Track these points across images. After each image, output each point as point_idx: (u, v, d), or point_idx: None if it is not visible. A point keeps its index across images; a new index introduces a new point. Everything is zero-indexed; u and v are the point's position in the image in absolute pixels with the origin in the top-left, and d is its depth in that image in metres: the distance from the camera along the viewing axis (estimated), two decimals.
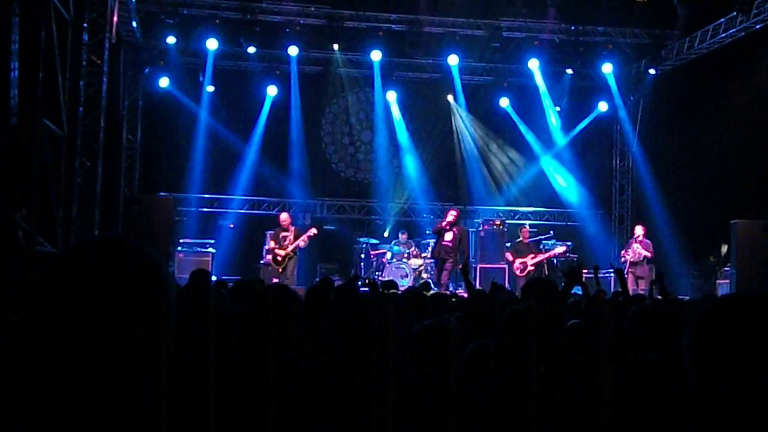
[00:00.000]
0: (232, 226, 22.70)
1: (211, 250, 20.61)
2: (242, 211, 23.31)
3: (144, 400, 1.79)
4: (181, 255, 20.23)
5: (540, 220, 23.94)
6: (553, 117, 24.11)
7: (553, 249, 20.49)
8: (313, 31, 21.99)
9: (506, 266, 20.66)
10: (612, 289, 18.25)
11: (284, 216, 19.07)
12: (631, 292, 16.01)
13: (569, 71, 23.12)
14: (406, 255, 20.54)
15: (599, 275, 16.66)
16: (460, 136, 24.28)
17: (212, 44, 21.53)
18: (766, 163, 18.27)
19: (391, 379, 2.68)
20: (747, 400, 1.79)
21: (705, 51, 20.77)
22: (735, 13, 18.65)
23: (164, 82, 22.38)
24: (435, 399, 3.79)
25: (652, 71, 22.55)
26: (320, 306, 6.77)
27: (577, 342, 5.22)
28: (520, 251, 19.64)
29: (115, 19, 17.29)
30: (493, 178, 24.27)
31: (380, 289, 11.00)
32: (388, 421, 2.57)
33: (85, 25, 15.83)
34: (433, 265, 20.87)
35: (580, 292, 10.00)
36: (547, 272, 19.45)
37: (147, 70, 22.27)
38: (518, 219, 24.03)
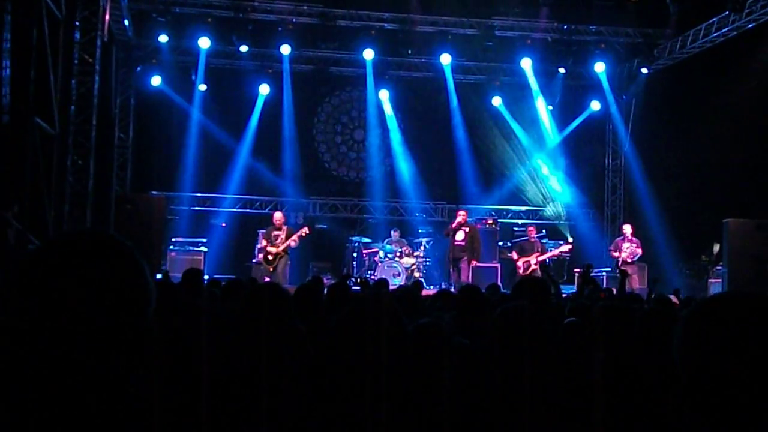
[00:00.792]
0: (224, 225, 22.68)
1: (203, 248, 20.60)
2: (234, 209, 23.29)
3: (129, 393, 1.78)
4: (173, 254, 20.22)
5: (532, 219, 23.92)
6: (545, 116, 24.12)
7: (557, 248, 20.47)
8: (305, 29, 21.96)
9: (499, 265, 20.67)
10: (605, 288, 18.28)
11: (278, 215, 19.02)
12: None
13: (562, 70, 23.12)
14: (398, 254, 20.53)
15: (592, 274, 16.72)
16: (451, 134, 24.19)
17: (204, 43, 21.50)
18: (759, 162, 18.32)
19: (386, 376, 2.68)
20: (735, 399, 1.79)
21: (697, 50, 20.81)
22: (727, 13, 18.68)
23: (156, 80, 22.36)
24: (429, 397, 3.79)
25: (644, 70, 22.57)
26: (310, 305, 6.76)
27: (571, 340, 5.23)
28: (525, 250, 19.59)
29: (107, 17, 17.24)
30: (485, 177, 24.22)
31: (372, 288, 11.01)
32: (383, 418, 2.57)
33: (77, 23, 15.79)
34: (426, 263, 20.91)
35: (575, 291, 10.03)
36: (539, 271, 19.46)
37: (139, 68, 22.25)
38: (511, 218, 24.05)
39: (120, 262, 1.79)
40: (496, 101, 24.04)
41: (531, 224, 21.57)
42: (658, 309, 6.01)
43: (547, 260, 19.70)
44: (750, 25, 18.78)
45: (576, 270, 20.66)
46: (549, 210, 24.50)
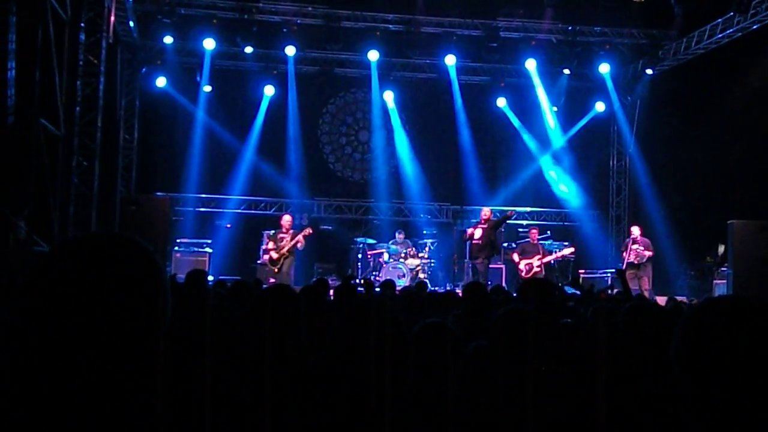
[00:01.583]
0: (228, 226, 22.67)
1: (208, 250, 20.60)
2: (239, 210, 23.30)
3: (141, 395, 1.79)
4: (178, 255, 20.22)
5: (537, 221, 23.89)
6: (550, 117, 24.11)
7: (560, 250, 20.44)
8: (310, 31, 21.99)
9: (504, 266, 20.68)
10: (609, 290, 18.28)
11: (286, 218, 19.02)
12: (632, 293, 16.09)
13: (566, 71, 23.10)
14: (403, 255, 20.53)
15: (596, 275, 16.74)
16: (456, 136, 24.21)
17: (209, 44, 21.52)
18: (763, 163, 18.29)
19: (390, 377, 2.69)
20: (733, 401, 1.80)
21: (702, 51, 20.79)
22: (732, 14, 18.67)
23: (161, 81, 22.36)
24: (434, 398, 3.79)
25: (649, 71, 22.57)
26: (314, 306, 6.77)
27: (573, 341, 5.23)
28: (527, 252, 19.57)
29: (112, 18, 17.28)
30: (490, 178, 24.21)
31: (377, 289, 11.03)
32: (388, 419, 2.58)
33: (82, 24, 15.83)
34: (430, 265, 20.92)
35: (578, 293, 10.02)
36: (543, 273, 19.41)
37: (144, 69, 22.26)
38: (515, 219, 24.00)
39: (142, 265, 1.80)
40: (501, 102, 24.04)
41: (534, 226, 21.54)
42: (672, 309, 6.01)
43: (552, 262, 19.71)
44: (755, 27, 18.76)
45: (581, 271, 20.65)
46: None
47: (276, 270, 18.30)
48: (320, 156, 24.54)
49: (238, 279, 12.98)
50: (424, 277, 19.81)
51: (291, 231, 18.65)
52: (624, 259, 19.26)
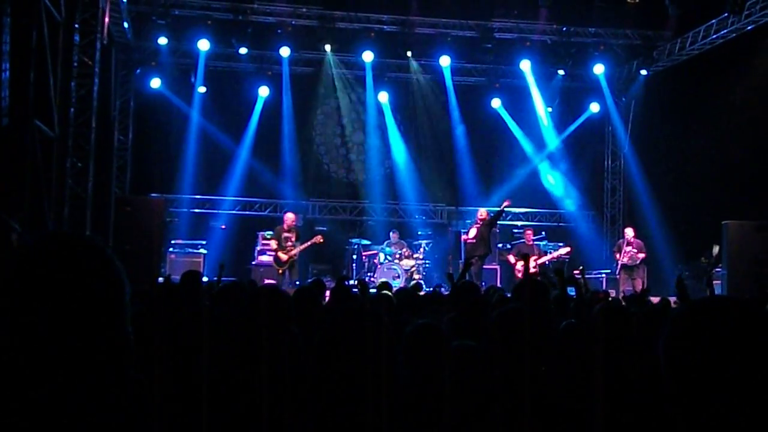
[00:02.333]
0: (223, 227, 22.65)
1: (202, 251, 20.59)
2: (234, 212, 23.28)
3: (124, 394, 1.78)
4: (172, 256, 20.22)
5: (532, 221, 23.90)
6: (544, 118, 24.13)
7: (556, 251, 20.44)
8: (304, 32, 22.00)
9: (498, 267, 20.70)
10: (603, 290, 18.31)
11: (290, 216, 18.96)
12: (624, 293, 16.13)
13: (561, 72, 23.16)
14: (398, 256, 20.54)
15: (590, 276, 16.70)
16: (451, 137, 24.24)
17: (204, 45, 21.53)
18: (759, 163, 18.31)
19: (383, 378, 2.68)
20: (719, 401, 1.80)
21: (696, 52, 20.82)
22: (726, 15, 18.69)
23: (156, 82, 22.37)
24: (427, 398, 3.79)
25: (643, 72, 22.62)
26: (309, 308, 6.76)
27: (569, 342, 5.23)
28: (522, 253, 19.60)
29: (107, 20, 17.25)
30: (484, 179, 24.23)
31: (375, 290, 11.02)
32: (381, 420, 2.57)
33: (77, 25, 15.78)
34: (425, 265, 20.93)
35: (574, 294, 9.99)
36: (538, 274, 19.42)
37: (138, 70, 22.27)
38: (510, 220, 24.03)
39: (92, 262, 1.79)
40: (496, 103, 24.05)
41: (529, 227, 21.53)
42: (657, 310, 6.02)
43: (547, 263, 19.71)
44: (749, 27, 18.79)
45: (575, 272, 20.67)
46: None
47: (280, 271, 18.33)
48: (315, 157, 24.52)
49: (234, 280, 12.98)
50: (419, 278, 19.82)
51: (294, 230, 18.62)
52: (617, 261, 19.30)
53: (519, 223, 23.71)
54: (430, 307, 8.22)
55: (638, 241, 19.35)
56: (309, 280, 16.55)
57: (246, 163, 23.09)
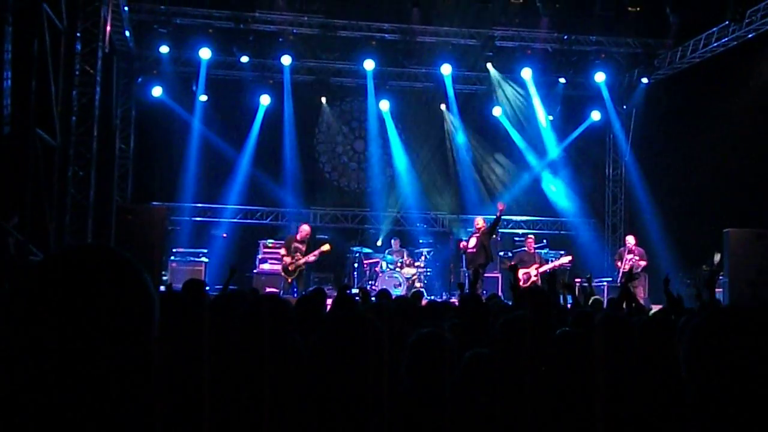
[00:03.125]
0: (224, 235, 22.65)
1: (204, 259, 20.58)
2: (235, 220, 23.28)
3: (132, 407, 1.77)
4: (174, 264, 20.21)
5: (533, 229, 23.88)
6: (546, 126, 24.12)
7: (557, 259, 20.41)
8: (306, 40, 22.02)
9: (500, 275, 20.68)
10: (605, 298, 18.30)
11: (306, 228, 19.06)
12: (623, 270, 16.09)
13: (562, 80, 23.16)
14: (399, 264, 20.53)
15: (592, 284, 16.64)
16: (452, 145, 24.29)
17: (205, 53, 21.54)
18: (759, 171, 18.30)
19: (385, 388, 2.68)
20: (741, 410, 1.78)
21: (697, 60, 20.81)
22: (727, 23, 18.68)
23: (157, 91, 22.39)
24: (430, 407, 3.79)
25: (644, 80, 22.62)
26: (311, 317, 6.76)
27: (570, 350, 5.22)
28: (524, 261, 19.56)
29: (108, 28, 17.27)
30: (486, 187, 24.24)
31: (374, 299, 11.01)
32: (383, 428, 2.57)
33: (78, 34, 15.82)
34: (426, 274, 20.93)
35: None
36: (540, 283, 19.39)
37: (140, 79, 22.29)
38: (511, 228, 24.03)
39: (123, 276, 1.78)
40: (497, 111, 24.05)
41: (530, 235, 21.50)
42: (660, 319, 6.01)
43: (548, 271, 19.69)
44: (750, 35, 18.79)
45: (577, 280, 20.67)
46: None
47: (289, 280, 18.42)
48: (316, 165, 24.53)
49: (235, 288, 12.95)
50: (420, 287, 19.81)
51: (307, 242, 18.70)
52: (619, 269, 19.28)
53: (520, 231, 23.70)
54: (433, 315, 8.22)
55: (639, 249, 19.35)
56: (310, 289, 16.56)
57: (247, 172, 23.09)
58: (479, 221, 19.17)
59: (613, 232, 24.62)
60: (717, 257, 19.06)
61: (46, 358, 1.67)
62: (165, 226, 19.71)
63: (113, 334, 1.71)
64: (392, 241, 21.47)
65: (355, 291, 14.39)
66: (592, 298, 12.43)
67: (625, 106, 23.86)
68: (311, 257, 18.57)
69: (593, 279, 20.77)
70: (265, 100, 23.11)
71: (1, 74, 10.79)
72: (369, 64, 22.44)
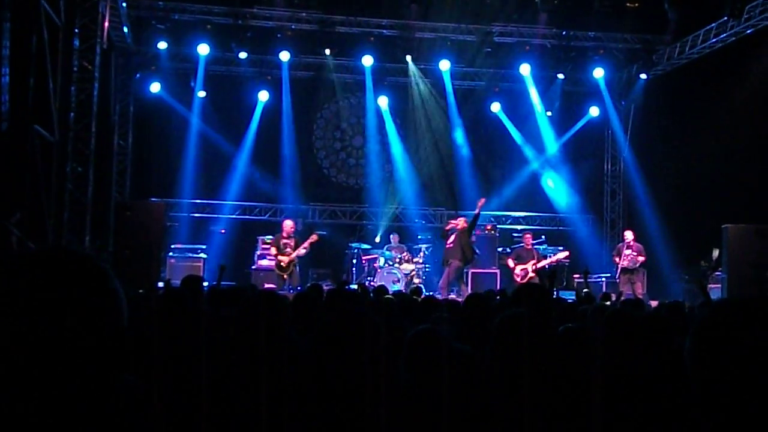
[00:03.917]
0: (223, 231, 22.65)
1: (202, 255, 20.56)
2: (234, 216, 23.27)
3: (118, 405, 1.77)
4: (172, 260, 20.20)
5: (532, 225, 23.87)
6: (544, 122, 24.13)
7: (554, 255, 20.43)
8: (304, 36, 22.00)
9: (498, 271, 20.68)
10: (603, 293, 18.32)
11: (289, 223, 19.07)
12: (624, 297, 16.14)
13: (560, 76, 23.17)
14: (397, 260, 20.52)
15: (590, 280, 16.67)
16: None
17: (203, 49, 21.53)
18: (758, 167, 18.32)
19: (382, 385, 2.68)
20: (748, 405, 1.77)
21: (696, 56, 20.82)
22: (726, 18, 18.69)
23: (155, 87, 22.38)
24: (427, 404, 3.79)
25: (643, 76, 22.61)
26: (309, 313, 6.76)
27: (569, 346, 5.22)
28: (522, 257, 19.58)
29: (106, 24, 17.27)
30: (484, 183, 24.22)
31: (371, 294, 11.01)
32: (380, 426, 2.57)
33: (76, 30, 15.81)
34: (425, 270, 20.93)
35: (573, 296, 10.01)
36: (538, 278, 19.40)
37: (138, 75, 22.29)
38: (510, 224, 24.04)
39: (85, 278, 1.77)
40: (495, 107, 24.06)
41: (528, 231, 21.50)
42: (662, 315, 6.01)
43: (547, 266, 19.70)
44: (749, 31, 18.79)
45: (575, 276, 20.68)
46: None
47: (285, 276, 18.42)
48: (315, 161, 24.53)
49: (233, 284, 12.98)
50: (419, 282, 19.79)
51: (293, 237, 18.73)
52: (617, 264, 19.29)
53: (518, 227, 23.70)
54: (431, 311, 8.23)
55: (638, 244, 19.35)
56: (307, 285, 16.56)
57: (246, 168, 23.11)
58: (461, 221, 19.13)
59: (612, 228, 24.62)
60: (715, 253, 19.07)
61: (9, 356, 1.66)
62: (163, 222, 19.68)
63: (76, 329, 1.70)
64: (391, 236, 21.48)
65: (354, 287, 14.38)
66: (584, 291, 12.44)
67: (623, 102, 23.87)
68: (302, 250, 18.58)
69: (592, 275, 20.90)
70: (263, 96, 23.11)
71: None
72: (367, 60, 22.43)
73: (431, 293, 16.47)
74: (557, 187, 24.44)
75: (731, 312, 1.89)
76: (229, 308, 6.31)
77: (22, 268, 1.75)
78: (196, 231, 22.39)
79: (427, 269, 21.09)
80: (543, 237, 22.26)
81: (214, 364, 3.71)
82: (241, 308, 4.83)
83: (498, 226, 22.60)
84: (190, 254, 20.60)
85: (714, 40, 19.73)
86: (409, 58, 22.73)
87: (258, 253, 20.57)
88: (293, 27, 21.63)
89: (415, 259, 20.86)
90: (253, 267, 20.28)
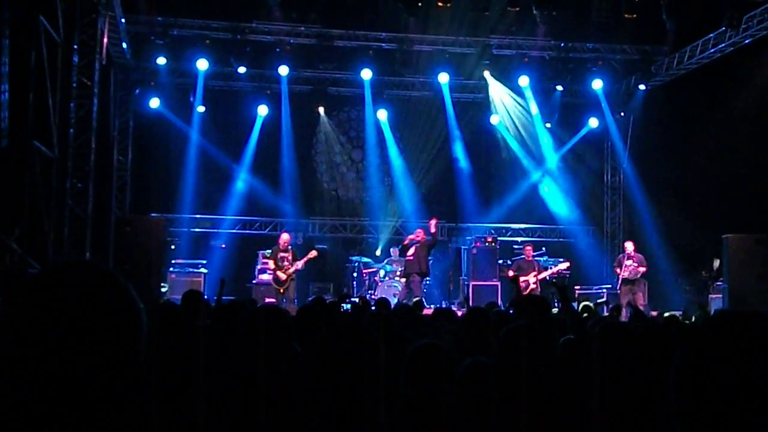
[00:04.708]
0: (223, 246, 22.64)
1: (203, 270, 20.56)
2: (234, 231, 23.26)
3: (122, 423, 1.77)
4: (173, 276, 20.20)
5: (532, 237, 23.85)
6: (544, 134, 24.12)
7: (555, 266, 20.43)
8: (303, 50, 22.01)
9: (499, 283, 20.66)
10: (604, 304, 18.35)
11: (285, 237, 19.13)
12: (625, 308, 16.14)
13: (559, 88, 23.18)
14: (398, 273, 20.50)
15: (591, 290, 16.65)
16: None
17: (202, 64, 21.55)
18: (758, 177, 18.32)
19: (382, 398, 2.67)
20: (737, 421, 1.72)
21: (694, 66, 20.85)
22: (724, 29, 18.72)
23: (155, 102, 22.39)
24: (429, 418, 3.77)
25: (642, 87, 22.63)
26: (313, 326, 6.75)
27: (569, 358, 5.21)
28: (522, 269, 19.59)
29: (105, 40, 17.30)
30: (484, 196, 24.22)
31: (372, 308, 11.00)
32: None
33: (75, 46, 15.82)
34: (426, 282, 20.90)
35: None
36: (539, 290, 19.37)
37: (137, 91, 22.31)
38: (510, 236, 24.01)
39: (109, 292, 1.77)
40: (494, 119, 24.07)
41: (529, 242, 21.49)
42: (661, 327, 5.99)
43: (548, 278, 19.71)
44: (747, 41, 18.82)
45: (576, 287, 20.67)
46: None
47: (281, 291, 18.41)
48: (314, 175, 24.54)
49: (233, 299, 12.94)
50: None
51: (290, 250, 18.74)
52: (618, 275, 19.28)
53: (519, 239, 23.68)
54: (433, 324, 8.22)
55: (639, 255, 19.34)
56: (310, 299, 16.54)
57: (245, 182, 23.13)
58: (420, 233, 19.19)
59: (612, 239, 24.60)
60: (716, 263, 19.06)
61: (36, 370, 1.67)
62: (163, 237, 19.69)
63: (100, 347, 1.71)
64: (391, 250, 21.47)
65: (355, 300, 14.38)
66: (583, 303, 12.44)
67: (622, 113, 23.85)
68: (300, 264, 18.59)
69: (593, 286, 20.91)
70: (262, 110, 23.12)
71: None
72: (366, 74, 22.45)
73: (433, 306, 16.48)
74: (556, 198, 24.42)
75: (722, 327, 1.83)
76: (229, 323, 6.31)
77: (47, 282, 1.75)
78: (197, 246, 22.38)
79: (427, 282, 21.06)
80: (543, 249, 22.23)
81: (212, 380, 3.70)
82: (241, 323, 4.82)
83: (498, 238, 22.56)
84: (191, 269, 20.60)
85: (712, 50, 19.76)
86: (407, 70, 22.73)
87: (258, 267, 20.58)
88: (292, 41, 21.63)
89: None
90: (254, 281, 20.29)
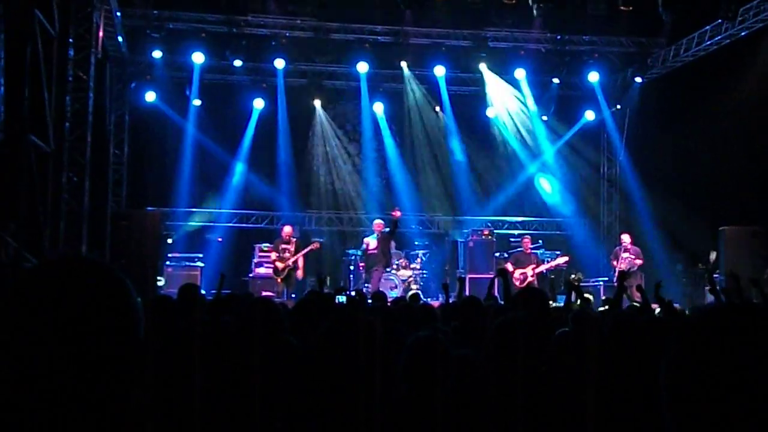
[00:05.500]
0: (220, 240, 22.61)
1: (199, 264, 20.54)
2: (231, 224, 23.24)
3: (118, 418, 1.77)
4: (169, 269, 20.17)
5: (529, 230, 23.84)
6: (540, 126, 24.11)
7: (553, 260, 20.45)
8: (299, 43, 22.00)
9: (496, 276, 20.65)
10: (601, 297, 18.34)
11: (288, 229, 19.27)
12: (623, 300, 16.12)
13: (556, 80, 23.16)
14: (395, 266, 20.49)
15: (588, 284, 16.67)
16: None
17: (198, 58, 21.52)
18: (754, 169, 18.33)
19: (379, 391, 2.67)
20: (728, 416, 1.70)
21: (691, 59, 20.86)
22: (720, 21, 18.72)
23: (151, 96, 22.34)
24: (426, 411, 3.77)
25: (638, 80, 22.62)
26: (309, 319, 6.75)
27: (565, 350, 5.21)
28: (521, 262, 19.61)
29: (101, 34, 17.27)
30: (481, 188, 24.23)
31: (368, 301, 11.00)
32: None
33: (71, 40, 15.80)
34: (422, 275, 20.91)
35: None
36: (537, 283, 19.36)
37: (133, 84, 22.26)
38: (507, 229, 24.00)
39: (105, 287, 1.77)
40: (491, 112, 24.05)
41: (526, 235, 21.48)
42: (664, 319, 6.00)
43: (545, 272, 19.72)
44: (743, 33, 18.83)
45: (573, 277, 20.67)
46: None
47: (279, 280, 18.45)
48: (311, 168, 24.48)
49: (230, 292, 12.93)
50: (417, 288, 19.79)
51: (294, 240, 18.80)
52: (615, 268, 19.28)
53: (516, 231, 23.66)
54: (428, 317, 8.21)
55: (635, 247, 19.36)
56: (306, 291, 16.53)
57: (242, 176, 23.10)
58: (379, 223, 19.34)
59: (609, 232, 24.60)
60: (713, 255, 19.08)
61: (32, 364, 1.67)
62: (160, 231, 19.68)
63: (97, 341, 1.71)
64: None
65: (352, 293, 14.37)
66: (584, 295, 12.43)
67: (619, 106, 23.82)
68: (300, 256, 18.63)
69: (590, 279, 20.90)
70: (258, 103, 23.08)
71: None
72: (362, 67, 22.43)
73: (430, 299, 16.49)
74: (553, 191, 24.42)
75: (715, 323, 1.80)
76: (225, 316, 6.31)
77: (43, 276, 1.75)
78: (193, 240, 22.36)
79: (424, 275, 21.07)
80: (540, 242, 22.23)
81: (209, 372, 3.69)
82: (237, 316, 4.82)
83: (495, 231, 22.53)
84: (187, 263, 20.58)
85: (708, 42, 19.77)
86: (404, 64, 22.75)
87: (255, 261, 20.56)
88: (288, 34, 21.61)
89: (412, 265, 20.85)
90: (251, 275, 20.27)
